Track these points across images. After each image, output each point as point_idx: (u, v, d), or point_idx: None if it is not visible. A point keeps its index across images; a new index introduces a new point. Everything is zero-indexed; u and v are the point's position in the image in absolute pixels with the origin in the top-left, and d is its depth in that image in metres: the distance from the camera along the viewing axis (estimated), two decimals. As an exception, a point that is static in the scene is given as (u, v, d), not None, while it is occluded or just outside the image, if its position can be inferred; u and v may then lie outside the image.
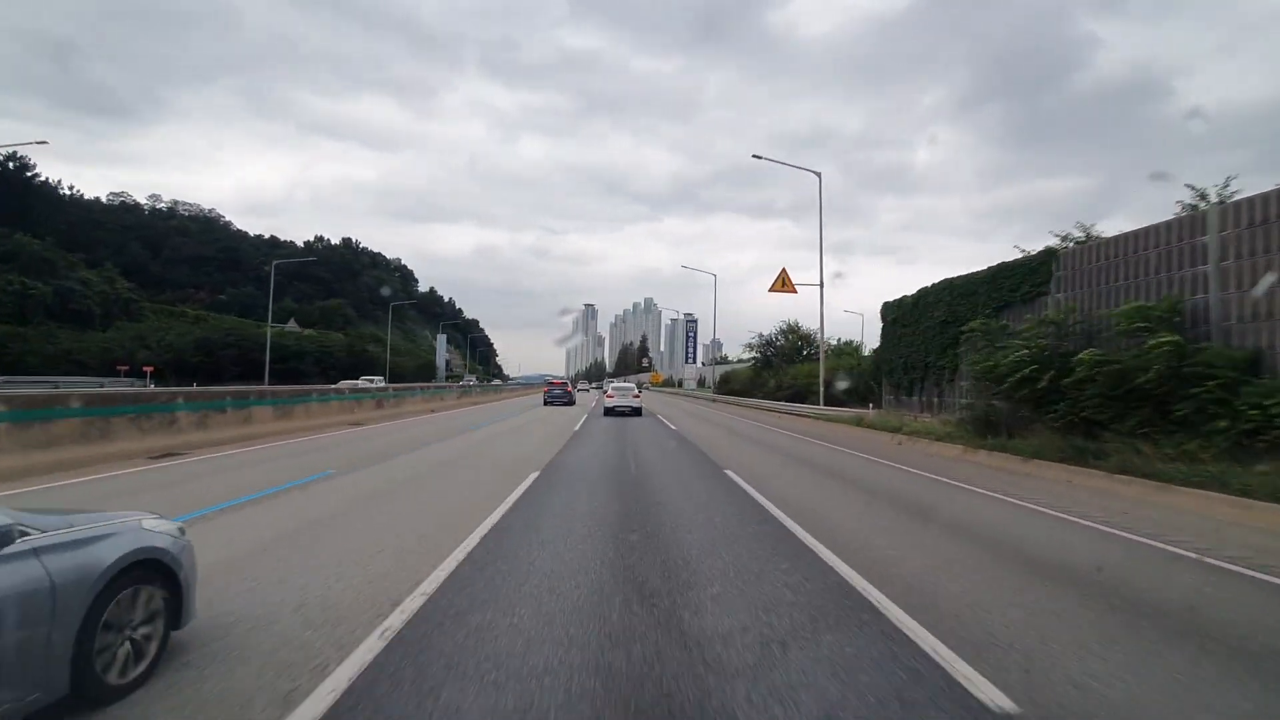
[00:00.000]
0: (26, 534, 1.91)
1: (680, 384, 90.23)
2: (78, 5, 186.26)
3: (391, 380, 59.78)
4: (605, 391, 27.17)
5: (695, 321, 70.37)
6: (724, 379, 44.85)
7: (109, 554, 2.09)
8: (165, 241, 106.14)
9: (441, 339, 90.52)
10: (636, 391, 23.80)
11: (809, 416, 20.05)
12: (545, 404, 28.71)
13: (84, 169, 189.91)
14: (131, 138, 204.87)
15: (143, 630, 2.25)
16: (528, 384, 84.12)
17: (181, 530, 2.61)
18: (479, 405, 29.65)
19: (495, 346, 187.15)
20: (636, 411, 22.16)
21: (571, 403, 29.87)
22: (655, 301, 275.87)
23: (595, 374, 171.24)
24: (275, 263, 38.78)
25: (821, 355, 21.22)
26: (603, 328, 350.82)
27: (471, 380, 62.37)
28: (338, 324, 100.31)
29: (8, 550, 1.82)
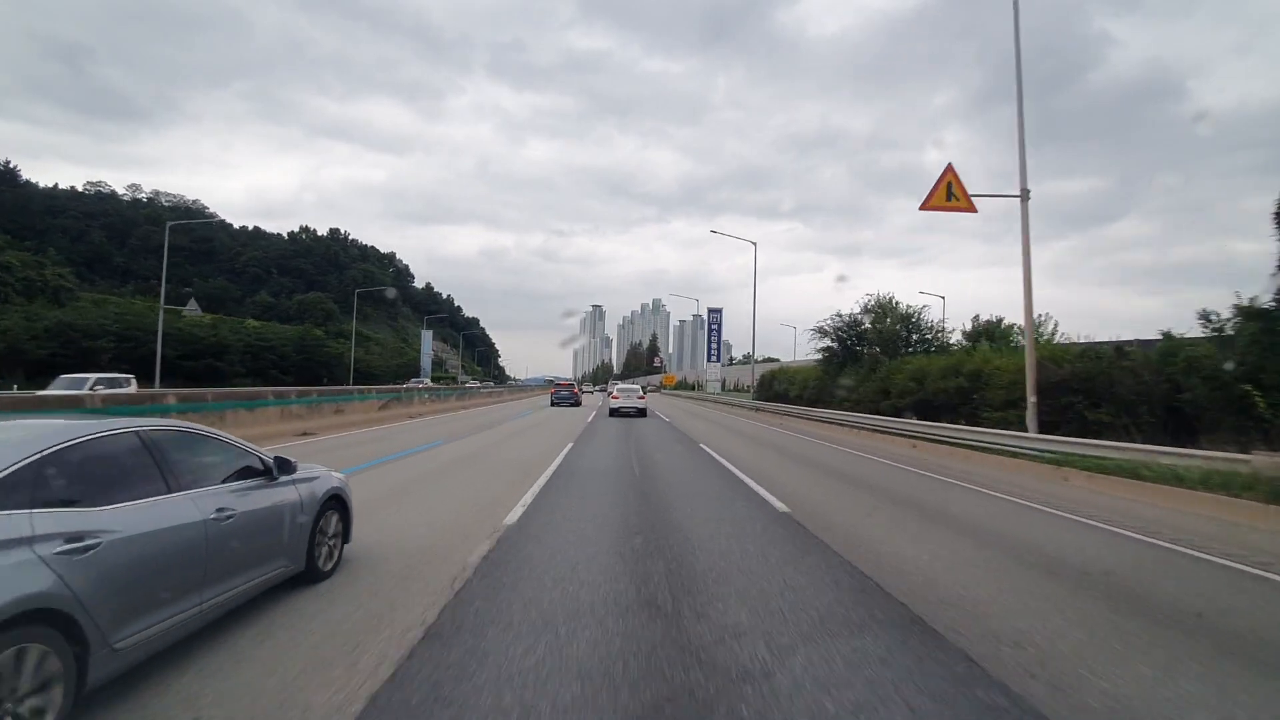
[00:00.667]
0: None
1: (697, 387, 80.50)
2: (89, 10, 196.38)
3: (359, 381, 48.85)
4: (610, 393, 27.54)
5: (719, 311, 57.06)
6: (766, 381, 33.10)
7: (321, 488, 3.74)
8: (133, 231, 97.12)
9: (426, 335, 79.81)
10: (641, 393, 24.57)
11: (1047, 461, 9.48)
12: (552, 404, 30.70)
13: (97, 172, 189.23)
14: (143, 142, 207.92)
15: (333, 538, 3.88)
16: (523, 387, 73.30)
17: (345, 479, 4.11)
18: (420, 420, 19.43)
19: (498, 347, 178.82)
20: (641, 412, 22.92)
21: (578, 404, 32.09)
22: (664, 303, 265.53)
23: (603, 376, 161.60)
24: (170, 224, 28.64)
25: (1029, 340, 10.61)
26: (610, 329, 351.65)
27: (420, 383, 49.12)
28: (317, 319, 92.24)
29: (287, 478, 3.42)
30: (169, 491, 2.69)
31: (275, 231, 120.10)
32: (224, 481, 3.09)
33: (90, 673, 2.11)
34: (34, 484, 2.17)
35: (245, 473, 3.26)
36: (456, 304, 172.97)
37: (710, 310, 58.67)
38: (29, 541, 2.01)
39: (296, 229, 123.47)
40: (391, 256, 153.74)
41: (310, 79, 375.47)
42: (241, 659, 2.71)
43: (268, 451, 3.51)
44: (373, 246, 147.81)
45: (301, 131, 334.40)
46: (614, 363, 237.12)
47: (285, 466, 3.50)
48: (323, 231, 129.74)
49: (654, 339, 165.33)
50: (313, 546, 3.66)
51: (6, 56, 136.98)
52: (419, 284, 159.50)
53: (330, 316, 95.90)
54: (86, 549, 2.16)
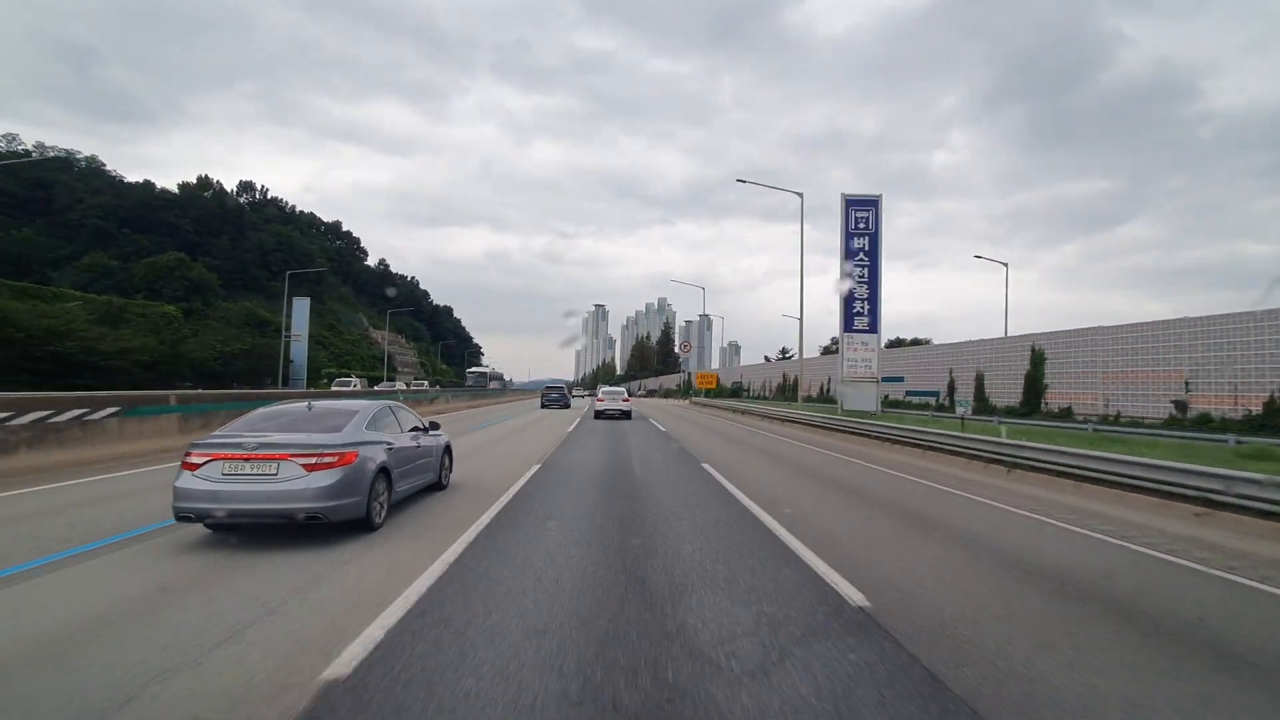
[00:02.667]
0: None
1: (743, 393, 72.87)
2: (93, 12, 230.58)
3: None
4: (597, 396, 35.88)
5: (872, 208, 30.99)
6: None
7: (443, 440, 10.06)
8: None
9: (301, 306, 66.47)
10: (626, 395, 33.80)
11: None
12: (542, 406, 41.60)
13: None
14: (149, 143, 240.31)
15: (447, 468, 10.14)
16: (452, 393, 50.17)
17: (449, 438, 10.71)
18: None
19: (477, 342, 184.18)
20: (626, 414, 31.64)
21: (567, 405, 43.02)
22: (669, 302, 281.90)
23: (604, 377, 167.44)
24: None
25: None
26: (614, 330, 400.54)
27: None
28: (176, 293, 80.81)
29: (434, 432, 9.62)
30: (401, 432, 8.34)
31: (165, 187, 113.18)
32: (410, 431, 8.66)
33: (391, 498, 7.68)
34: (373, 423, 7.68)
35: (416, 428, 8.87)
36: (423, 287, 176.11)
37: (853, 204, 30.56)
38: (380, 444, 7.56)
39: (194, 180, 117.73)
40: (336, 226, 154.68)
41: (316, 80, 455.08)
42: (430, 511, 8.34)
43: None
44: (309, 213, 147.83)
45: (308, 133, 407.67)
46: (617, 363, 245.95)
47: (434, 426, 9.38)
48: (231, 186, 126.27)
49: (667, 327, 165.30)
50: (440, 470, 9.47)
51: (12, 59, 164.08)
52: (373, 260, 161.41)
53: (199, 288, 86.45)
54: (390, 450, 7.73)
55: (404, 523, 7.57)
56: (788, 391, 60.24)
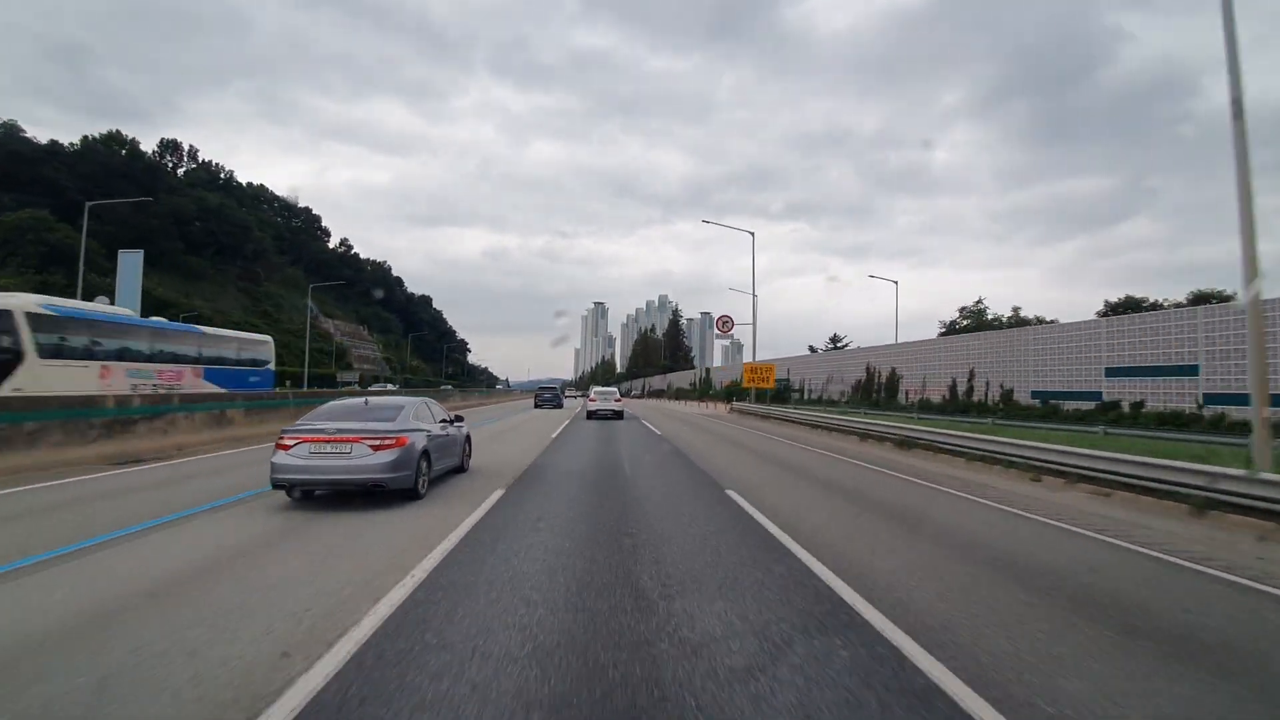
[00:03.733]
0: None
1: (792, 392, 54.56)
2: (88, 10, 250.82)
3: None
4: (589, 396, 42.32)
5: None
6: None
7: (464, 431, 14.20)
8: None
9: (130, 264, 46.32)
10: (618, 396, 40.30)
11: None
12: (535, 406, 49.51)
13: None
14: (147, 144, 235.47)
15: (467, 454, 14.42)
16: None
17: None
18: None
19: (463, 339, 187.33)
20: (618, 415, 36.68)
21: (560, 405, 49.92)
22: (670, 299, 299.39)
23: (603, 377, 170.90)
24: None
25: None
26: (614, 328, 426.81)
27: None
28: (27, 262, 70.14)
29: (458, 424, 13.73)
30: (434, 422, 12.05)
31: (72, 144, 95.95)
32: (439, 422, 12.35)
33: (430, 474, 11.29)
34: (416, 415, 11.35)
35: (444, 420, 12.64)
36: (395, 274, 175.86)
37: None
38: (422, 431, 11.23)
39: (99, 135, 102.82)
40: (292, 203, 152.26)
41: (313, 80, 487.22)
42: (455, 487, 12.06)
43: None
44: (258, 184, 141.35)
45: (305, 133, 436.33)
46: (617, 362, 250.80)
47: (459, 419, 13.43)
48: (150, 148, 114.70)
49: (676, 316, 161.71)
50: (463, 455, 13.48)
51: (6, 58, 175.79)
52: (334, 241, 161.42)
53: (63, 256, 69.24)
54: (430, 436, 11.44)
55: (440, 493, 11.10)
56: (877, 395, 50.09)
